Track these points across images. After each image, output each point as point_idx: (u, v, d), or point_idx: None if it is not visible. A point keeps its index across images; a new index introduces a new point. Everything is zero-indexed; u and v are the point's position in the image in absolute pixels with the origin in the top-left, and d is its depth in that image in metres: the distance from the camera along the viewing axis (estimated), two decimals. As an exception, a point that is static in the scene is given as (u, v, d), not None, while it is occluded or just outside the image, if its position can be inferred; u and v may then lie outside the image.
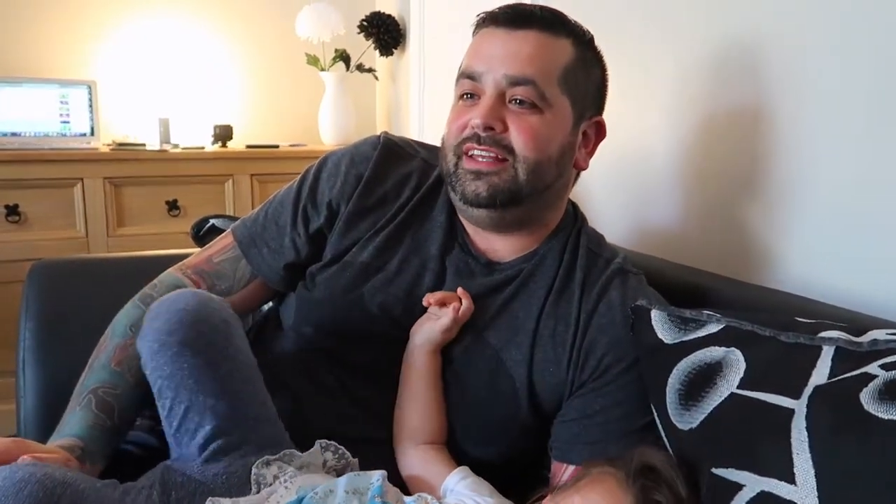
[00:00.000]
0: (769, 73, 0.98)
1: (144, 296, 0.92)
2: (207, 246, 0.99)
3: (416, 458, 0.82)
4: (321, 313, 0.90)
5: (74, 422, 0.79)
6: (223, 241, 0.98)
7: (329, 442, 0.76)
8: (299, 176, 0.97)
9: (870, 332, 0.64)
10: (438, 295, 0.85)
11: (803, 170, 0.94)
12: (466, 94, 0.86)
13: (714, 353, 0.70)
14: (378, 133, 0.98)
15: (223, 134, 2.47)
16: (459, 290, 0.86)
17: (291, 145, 2.60)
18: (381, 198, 0.92)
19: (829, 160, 0.90)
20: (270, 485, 0.68)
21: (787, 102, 0.95)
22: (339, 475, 0.74)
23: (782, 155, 0.96)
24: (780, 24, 0.96)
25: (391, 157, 0.95)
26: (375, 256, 0.90)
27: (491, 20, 0.86)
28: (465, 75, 0.86)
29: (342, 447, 0.76)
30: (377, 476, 0.71)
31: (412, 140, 1.01)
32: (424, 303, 0.85)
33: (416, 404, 0.84)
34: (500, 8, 0.86)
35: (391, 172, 0.94)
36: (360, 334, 0.89)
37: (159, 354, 0.74)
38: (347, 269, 0.90)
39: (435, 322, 0.85)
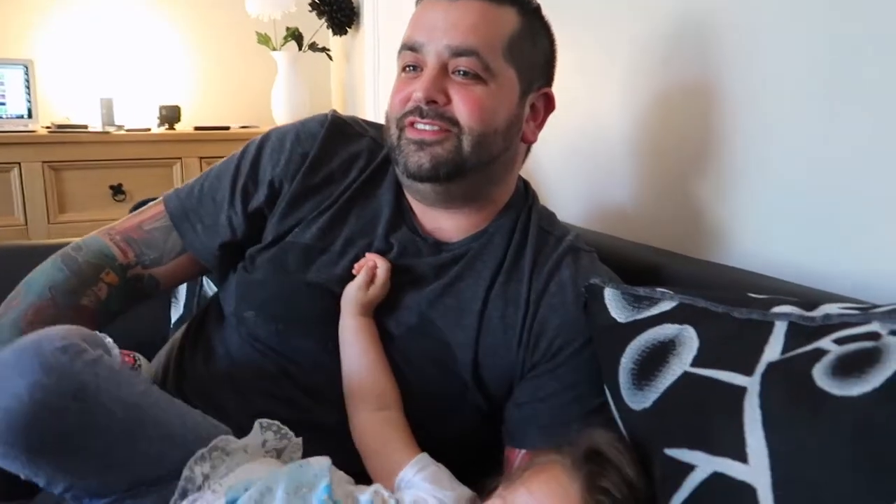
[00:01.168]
0: (723, 49, 0.97)
1: (67, 257, 0.86)
2: (138, 211, 0.94)
3: (372, 427, 0.79)
4: (262, 296, 0.86)
5: None
6: (155, 209, 0.92)
7: (271, 421, 0.72)
8: (240, 150, 0.93)
9: (822, 307, 0.63)
10: (361, 261, 0.84)
11: (756, 146, 0.93)
12: (409, 66, 0.83)
13: (667, 330, 0.68)
14: (327, 111, 0.94)
15: (170, 115, 2.39)
16: (368, 254, 0.85)
17: (242, 127, 2.53)
18: (326, 177, 0.89)
19: (782, 136, 0.89)
20: (199, 488, 0.63)
21: (741, 79, 0.94)
22: (279, 456, 0.70)
23: (736, 132, 0.96)
24: (735, 1, 0.95)
25: (339, 135, 0.91)
26: (319, 238, 0.87)
27: None
28: (407, 47, 0.83)
29: (284, 427, 0.73)
30: (323, 468, 0.66)
31: (362, 119, 0.98)
32: (354, 272, 0.84)
33: (356, 368, 0.81)
34: None
35: (339, 151, 0.90)
36: (304, 317, 0.85)
37: (9, 462, 0.60)
38: (290, 250, 0.86)
39: (353, 282, 0.83)
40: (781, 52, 0.88)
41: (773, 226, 0.91)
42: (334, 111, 0.94)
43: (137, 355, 0.76)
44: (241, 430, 0.73)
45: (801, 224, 0.87)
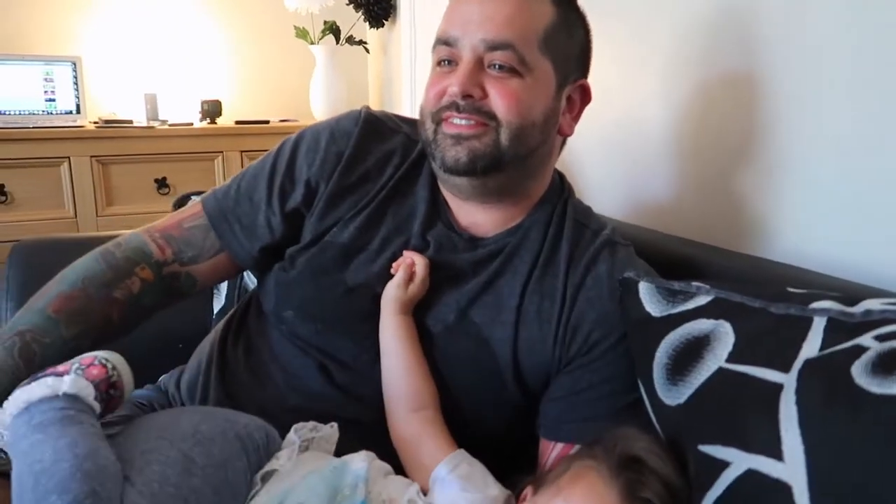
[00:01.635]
0: (766, 39, 0.94)
1: (105, 251, 0.86)
2: (179, 210, 0.95)
3: (410, 427, 0.79)
4: (301, 297, 0.87)
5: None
6: (194, 208, 0.93)
7: (304, 424, 0.73)
8: (274, 149, 0.93)
9: (863, 302, 0.62)
10: (399, 260, 0.85)
11: (799, 139, 0.91)
12: (443, 60, 0.83)
13: (702, 325, 0.68)
14: (360, 108, 0.94)
15: (212, 110, 2.44)
16: (406, 252, 0.85)
17: (281, 120, 2.56)
18: (362, 176, 0.89)
19: (825, 129, 0.87)
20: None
21: (784, 70, 0.92)
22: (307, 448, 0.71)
23: (778, 123, 0.93)
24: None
25: (373, 132, 0.91)
26: (357, 237, 0.87)
27: None
28: (442, 41, 0.82)
29: (318, 423, 0.74)
30: (359, 474, 0.66)
31: (395, 115, 0.97)
32: (392, 271, 0.84)
33: (394, 367, 0.82)
34: None
35: (373, 149, 0.90)
36: (342, 317, 0.86)
37: None
38: (328, 249, 0.87)
39: (392, 281, 0.84)
40: (826, 43, 0.86)
41: (815, 219, 0.89)
42: (367, 108, 0.94)
43: (112, 362, 0.70)
44: (280, 426, 0.74)
45: (843, 217, 0.85)
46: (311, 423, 0.73)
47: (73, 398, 0.64)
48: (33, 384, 0.65)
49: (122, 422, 0.77)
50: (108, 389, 0.68)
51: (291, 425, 0.75)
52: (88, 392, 0.66)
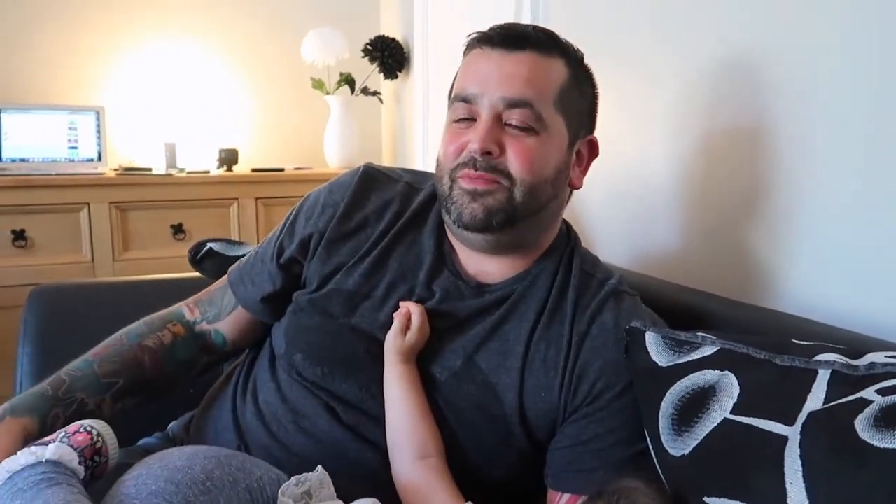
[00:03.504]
0: (772, 90, 0.96)
1: (148, 317, 0.98)
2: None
3: (414, 475, 0.79)
4: (310, 340, 0.89)
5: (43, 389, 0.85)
6: (223, 279, 1.02)
7: (289, 482, 0.71)
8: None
9: (867, 355, 0.62)
10: (398, 310, 0.87)
11: (805, 189, 0.92)
12: (461, 118, 0.85)
13: (708, 376, 0.68)
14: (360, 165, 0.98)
15: (228, 158, 2.49)
16: (402, 303, 0.87)
17: (297, 168, 2.61)
18: (360, 222, 0.92)
19: (832, 179, 0.88)
20: None
21: (789, 120, 0.94)
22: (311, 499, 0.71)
23: (784, 174, 0.95)
24: (781, 41, 0.95)
25: (371, 182, 0.94)
26: (362, 283, 0.89)
27: (484, 41, 0.85)
28: (460, 98, 0.85)
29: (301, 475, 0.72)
30: None
31: (400, 168, 1.01)
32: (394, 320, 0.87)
33: (398, 415, 0.82)
34: (492, 28, 0.85)
35: (371, 197, 0.93)
36: (347, 361, 0.88)
37: None
38: (335, 296, 0.89)
39: (391, 330, 0.85)
40: (831, 94, 0.88)
41: (821, 270, 0.90)
42: (368, 163, 0.98)
43: (97, 429, 0.74)
44: (288, 472, 0.75)
45: (852, 269, 0.86)
46: (293, 479, 0.71)
47: (55, 464, 0.67)
48: (18, 454, 0.67)
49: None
50: (92, 456, 0.71)
51: (299, 470, 0.74)
52: (71, 457, 0.68)
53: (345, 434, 0.85)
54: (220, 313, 0.98)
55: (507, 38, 0.83)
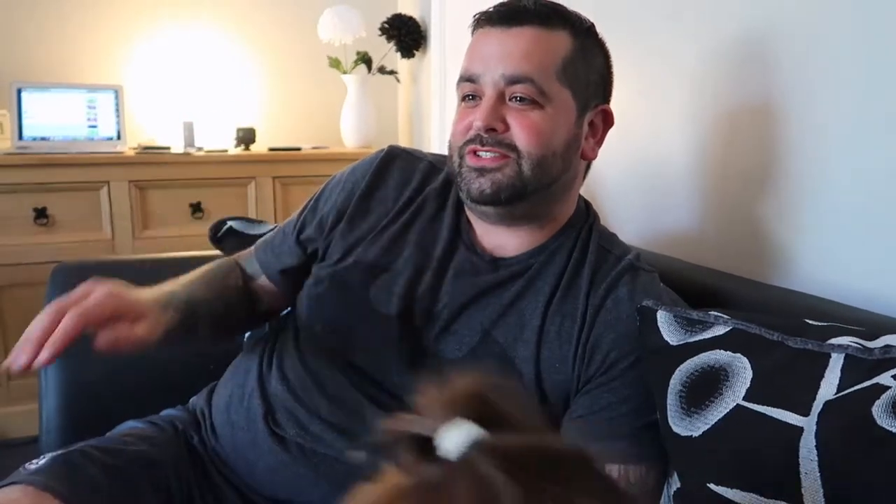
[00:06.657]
0: (790, 69, 0.95)
1: (219, 264, 1.03)
2: None
3: None
4: (330, 311, 0.92)
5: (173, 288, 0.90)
6: (249, 249, 1.07)
7: None
8: None
9: (882, 338, 0.62)
10: None
11: (821, 168, 0.91)
12: (468, 95, 0.87)
13: (719, 356, 0.68)
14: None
15: (246, 137, 2.50)
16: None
17: (314, 148, 2.61)
18: (381, 199, 0.95)
19: (848, 157, 0.87)
20: None
21: (805, 99, 0.93)
22: None
23: (800, 152, 0.94)
24: (795, 18, 0.93)
25: (393, 160, 0.98)
26: (381, 256, 0.91)
27: (486, 20, 0.86)
28: (465, 78, 0.87)
29: None
30: None
31: (423, 151, 1.03)
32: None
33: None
34: (494, 7, 0.86)
35: (393, 174, 0.96)
36: (365, 333, 0.90)
37: None
38: (356, 267, 0.92)
39: None
40: (849, 73, 0.86)
41: (838, 249, 0.89)
42: (393, 144, 1.01)
43: None
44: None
45: (866, 247, 0.85)
46: None
47: None
48: None
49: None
50: None
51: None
52: None
53: (364, 400, 0.87)
54: (252, 275, 1.04)
55: (507, 14, 0.84)
